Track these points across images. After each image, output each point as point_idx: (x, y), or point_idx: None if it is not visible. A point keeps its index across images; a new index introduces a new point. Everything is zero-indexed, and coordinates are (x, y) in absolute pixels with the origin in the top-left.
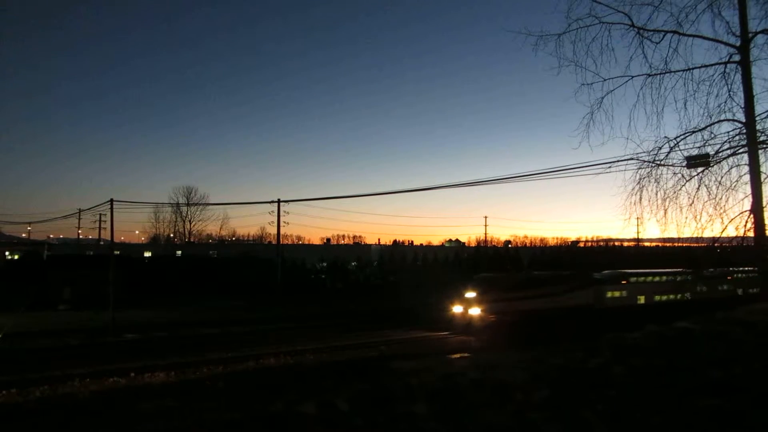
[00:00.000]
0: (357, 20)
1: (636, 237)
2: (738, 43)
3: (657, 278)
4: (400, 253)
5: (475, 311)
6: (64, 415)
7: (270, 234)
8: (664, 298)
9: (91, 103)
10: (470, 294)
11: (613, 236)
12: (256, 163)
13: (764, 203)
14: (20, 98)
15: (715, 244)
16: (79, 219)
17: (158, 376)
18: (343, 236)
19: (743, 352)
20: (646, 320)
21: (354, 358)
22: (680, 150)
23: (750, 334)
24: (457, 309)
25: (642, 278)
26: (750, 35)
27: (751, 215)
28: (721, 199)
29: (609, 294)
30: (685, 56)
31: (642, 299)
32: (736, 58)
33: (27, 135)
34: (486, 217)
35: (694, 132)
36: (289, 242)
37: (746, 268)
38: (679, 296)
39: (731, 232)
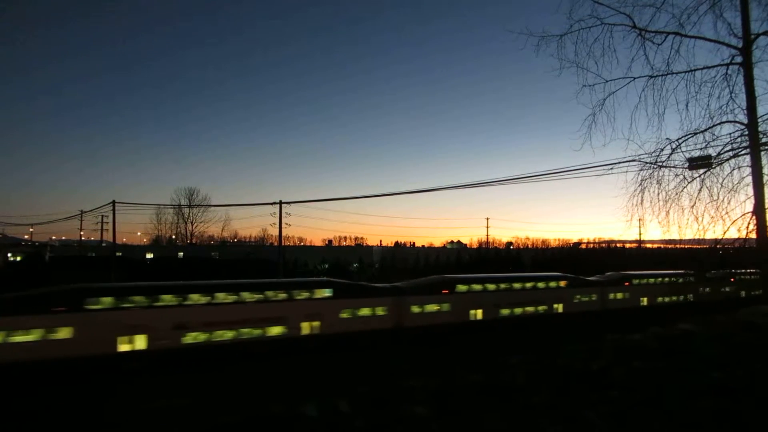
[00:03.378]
0: (360, 23)
1: (638, 238)
2: (740, 45)
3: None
4: (401, 255)
5: None
6: None
7: (272, 235)
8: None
9: (93, 106)
10: None
11: (615, 238)
12: (258, 165)
13: (766, 205)
14: (22, 101)
15: (717, 246)
16: (81, 221)
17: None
18: (345, 238)
19: (744, 353)
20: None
21: None
22: (682, 151)
23: (751, 336)
24: None
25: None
26: (752, 37)
27: (753, 217)
28: (722, 200)
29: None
30: (687, 58)
31: (228, 336)
32: (738, 59)
33: (29, 137)
34: (488, 219)
35: (695, 133)
36: (291, 244)
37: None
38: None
39: (733, 233)
